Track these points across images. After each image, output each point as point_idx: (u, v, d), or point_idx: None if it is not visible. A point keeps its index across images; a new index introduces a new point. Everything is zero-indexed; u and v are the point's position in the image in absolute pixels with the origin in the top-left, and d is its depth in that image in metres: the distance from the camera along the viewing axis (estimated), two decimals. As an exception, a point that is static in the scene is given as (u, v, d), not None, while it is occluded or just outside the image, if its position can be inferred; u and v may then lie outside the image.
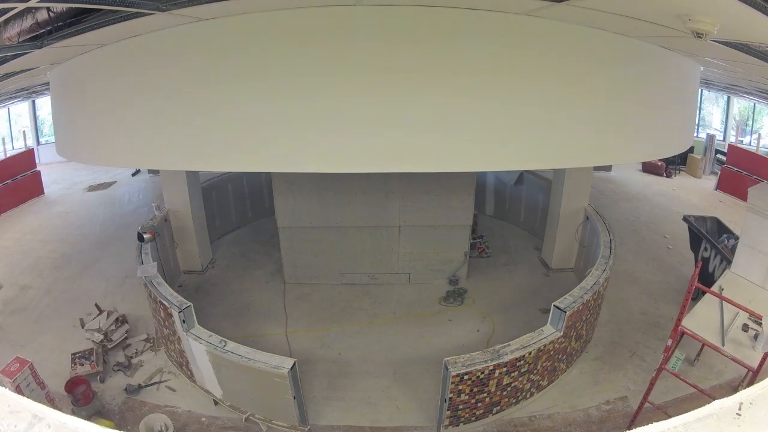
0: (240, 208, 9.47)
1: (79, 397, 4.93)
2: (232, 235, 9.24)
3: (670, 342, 4.44)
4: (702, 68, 5.53)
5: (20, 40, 3.28)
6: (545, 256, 8.20)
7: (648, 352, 5.90)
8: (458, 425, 4.73)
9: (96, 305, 6.36)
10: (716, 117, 14.53)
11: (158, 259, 6.23)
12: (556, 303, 4.95)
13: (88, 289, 7.38)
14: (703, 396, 4.51)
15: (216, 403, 5.09)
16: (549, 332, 4.84)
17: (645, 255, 8.45)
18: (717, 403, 1.29)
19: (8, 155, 12.40)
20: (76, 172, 13.08)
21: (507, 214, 9.78)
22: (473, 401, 4.61)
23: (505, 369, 4.53)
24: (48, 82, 6.05)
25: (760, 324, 4.18)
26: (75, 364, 5.42)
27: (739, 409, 1.26)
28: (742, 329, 4.33)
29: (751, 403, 1.28)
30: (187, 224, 7.54)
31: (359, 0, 3.19)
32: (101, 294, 7.22)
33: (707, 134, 13.57)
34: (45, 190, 11.76)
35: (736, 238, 6.66)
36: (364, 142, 3.57)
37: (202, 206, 7.94)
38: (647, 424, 1.09)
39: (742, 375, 5.50)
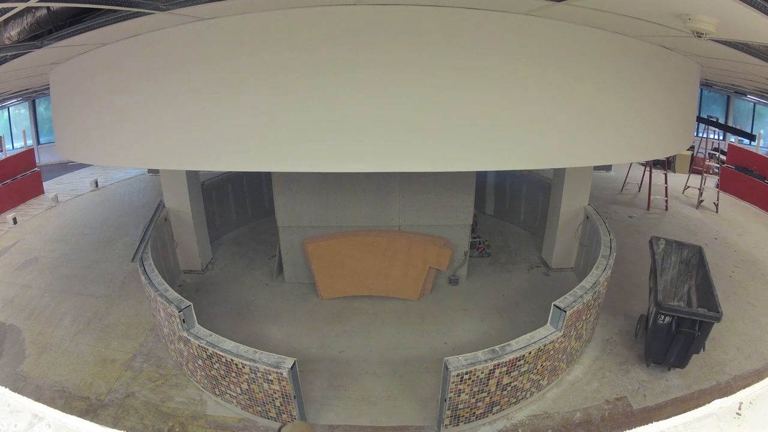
0: (240, 208, 9.48)
1: None
2: (232, 234, 9.24)
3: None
4: (702, 68, 5.52)
5: (20, 39, 3.28)
6: (545, 255, 8.20)
7: (648, 351, 5.91)
8: (458, 425, 4.73)
9: None
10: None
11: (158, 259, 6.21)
12: (556, 302, 4.95)
13: (88, 290, 7.38)
14: (703, 395, 4.51)
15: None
16: (549, 332, 4.84)
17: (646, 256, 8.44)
18: (717, 403, 1.29)
19: (8, 155, 12.40)
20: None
21: (507, 214, 9.78)
22: (473, 401, 4.61)
23: (505, 368, 4.53)
24: (48, 82, 6.03)
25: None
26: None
27: (739, 408, 1.26)
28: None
29: (751, 403, 1.28)
30: (187, 224, 7.55)
31: (359, 0, 3.19)
32: (101, 294, 7.23)
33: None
34: (45, 190, 11.78)
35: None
36: (364, 141, 3.57)
37: (202, 206, 7.94)
38: (647, 424, 1.10)
39: (743, 374, 5.51)
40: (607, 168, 13.14)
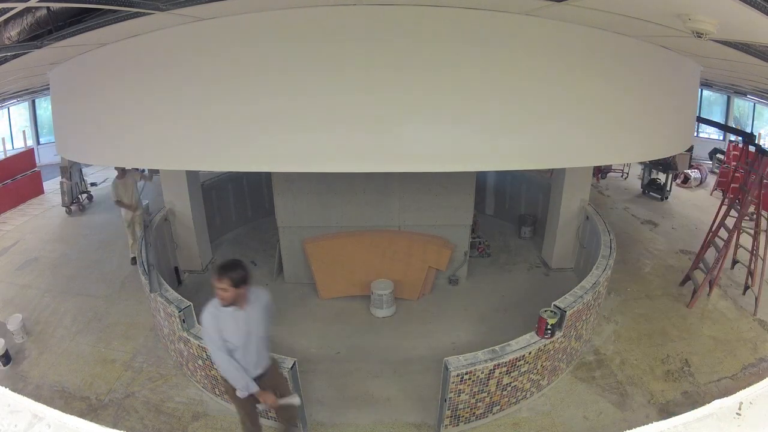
0: (240, 208, 9.48)
1: None
2: (232, 234, 9.24)
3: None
4: (702, 68, 5.52)
5: (20, 39, 3.28)
6: (545, 255, 8.21)
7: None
8: (458, 425, 4.73)
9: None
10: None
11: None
12: (557, 303, 4.95)
13: (88, 290, 7.38)
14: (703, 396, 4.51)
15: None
16: (549, 332, 4.83)
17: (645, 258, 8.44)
18: (717, 403, 1.29)
19: (8, 155, 12.41)
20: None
21: (507, 214, 9.78)
22: (473, 401, 4.61)
23: (505, 369, 4.53)
24: (48, 82, 6.04)
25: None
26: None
27: (739, 408, 1.26)
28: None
29: (751, 403, 1.28)
30: (187, 224, 7.54)
31: (359, 0, 3.19)
32: (101, 294, 7.23)
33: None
34: (44, 190, 11.79)
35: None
36: (364, 141, 3.57)
37: (202, 206, 7.94)
38: (647, 424, 1.09)
39: (743, 374, 5.50)
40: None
